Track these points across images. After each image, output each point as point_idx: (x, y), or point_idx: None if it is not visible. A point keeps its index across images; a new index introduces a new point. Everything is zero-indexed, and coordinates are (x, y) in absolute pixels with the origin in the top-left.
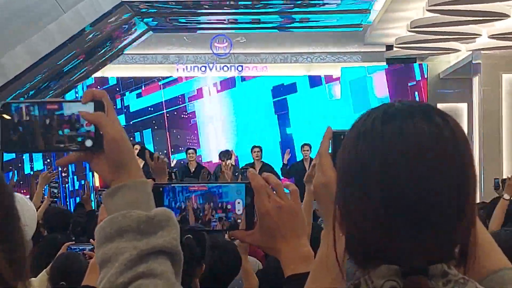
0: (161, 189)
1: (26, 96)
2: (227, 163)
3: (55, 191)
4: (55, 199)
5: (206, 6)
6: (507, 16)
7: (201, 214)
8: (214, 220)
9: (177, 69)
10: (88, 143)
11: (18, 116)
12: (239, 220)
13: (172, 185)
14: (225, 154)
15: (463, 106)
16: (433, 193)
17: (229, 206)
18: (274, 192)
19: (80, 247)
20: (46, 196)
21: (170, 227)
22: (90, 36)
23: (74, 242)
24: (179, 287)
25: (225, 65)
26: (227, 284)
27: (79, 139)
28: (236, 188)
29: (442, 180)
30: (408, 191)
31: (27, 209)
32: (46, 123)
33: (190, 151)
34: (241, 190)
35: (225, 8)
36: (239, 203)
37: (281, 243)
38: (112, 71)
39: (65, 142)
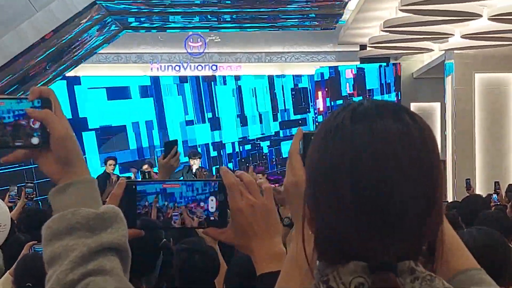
0: (134, 186)
1: None
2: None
3: (30, 191)
4: (30, 200)
5: (180, 5)
6: (480, 16)
7: (164, 212)
8: (176, 216)
9: (151, 68)
10: (35, 140)
11: None
12: (212, 218)
13: (146, 182)
14: (195, 154)
15: (437, 105)
16: (402, 191)
17: (202, 204)
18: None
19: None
20: (20, 197)
21: (118, 223)
22: (64, 35)
23: (36, 242)
24: (128, 283)
25: (199, 64)
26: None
27: (25, 136)
28: (209, 186)
29: (410, 178)
30: (378, 189)
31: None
32: None
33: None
34: (215, 188)
35: (199, 7)
36: (212, 200)
37: (254, 241)
38: (85, 71)
39: (10, 140)
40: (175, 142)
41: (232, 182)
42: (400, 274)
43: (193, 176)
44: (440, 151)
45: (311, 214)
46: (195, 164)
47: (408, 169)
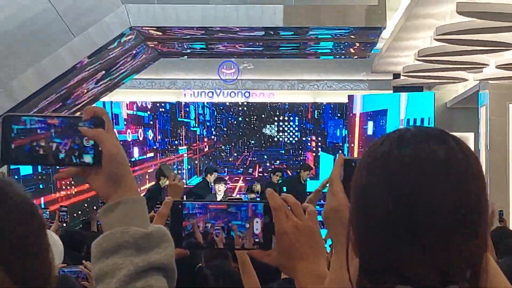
0: (180, 206)
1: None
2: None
3: (64, 214)
4: (64, 222)
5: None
6: None
7: (208, 232)
8: (219, 237)
9: (185, 94)
10: (87, 158)
11: (19, 129)
12: (256, 240)
13: (192, 202)
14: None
15: (470, 135)
16: (448, 214)
17: (247, 225)
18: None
19: (73, 269)
20: (54, 220)
21: (166, 243)
22: (100, 60)
23: (65, 264)
24: None
25: (232, 91)
26: None
27: (79, 154)
28: (255, 207)
29: (456, 201)
30: (424, 213)
31: (54, 243)
32: (49, 138)
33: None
34: (260, 210)
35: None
36: (257, 222)
37: (298, 263)
38: (119, 96)
39: (64, 157)
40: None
41: (278, 204)
42: None
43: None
44: None
45: (355, 238)
46: (220, 191)
47: (452, 192)
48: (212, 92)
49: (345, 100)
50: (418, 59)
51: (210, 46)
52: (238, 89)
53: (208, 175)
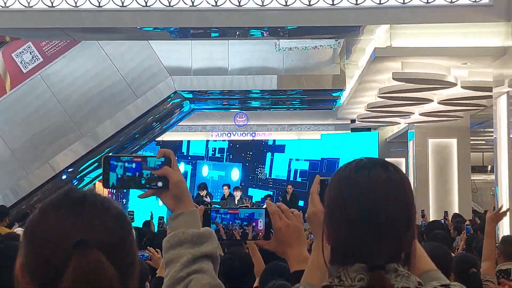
0: (209, 211)
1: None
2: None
3: (131, 216)
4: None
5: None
6: (432, 100)
7: (229, 228)
8: (236, 231)
9: (212, 135)
10: (160, 184)
11: (115, 164)
12: (260, 233)
13: (216, 209)
14: (238, 188)
15: (402, 160)
16: (390, 216)
17: (253, 224)
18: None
19: (140, 254)
20: None
21: (212, 239)
22: (154, 114)
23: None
24: (218, 280)
25: (243, 132)
26: (247, 280)
27: (154, 181)
28: (258, 212)
29: (396, 208)
30: (374, 215)
31: None
32: (134, 169)
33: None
34: (262, 213)
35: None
36: (260, 221)
37: (288, 249)
38: (167, 137)
39: (145, 183)
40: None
41: (274, 209)
42: (388, 272)
43: (235, 204)
44: None
45: (328, 232)
46: (237, 195)
47: (393, 200)
48: (230, 133)
49: (318, 137)
50: (367, 109)
51: (226, 103)
52: (247, 131)
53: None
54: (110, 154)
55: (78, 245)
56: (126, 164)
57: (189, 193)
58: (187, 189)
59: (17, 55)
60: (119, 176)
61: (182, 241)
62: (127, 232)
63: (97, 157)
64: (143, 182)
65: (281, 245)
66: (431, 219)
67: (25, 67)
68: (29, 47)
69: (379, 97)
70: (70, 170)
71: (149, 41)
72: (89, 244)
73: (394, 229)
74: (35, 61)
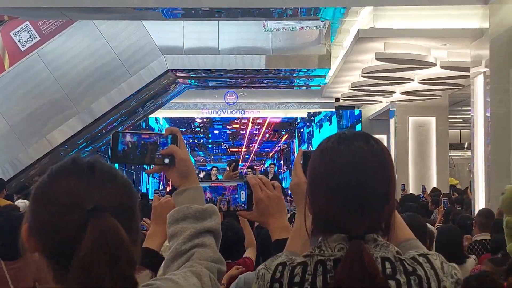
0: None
1: (104, 130)
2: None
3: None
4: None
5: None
6: (412, 80)
7: (214, 201)
8: (222, 203)
9: (202, 112)
10: (166, 161)
11: (123, 140)
12: (243, 205)
13: (203, 182)
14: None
15: (384, 137)
16: (370, 187)
17: (236, 196)
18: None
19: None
20: None
21: (215, 215)
22: (148, 91)
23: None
24: (219, 254)
25: (233, 110)
26: (237, 251)
27: (161, 158)
28: (241, 184)
29: (375, 179)
30: (355, 186)
31: None
32: (142, 146)
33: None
34: (244, 186)
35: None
36: (243, 193)
37: (270, 219)
38: (160, 114)
39: (154, 159)
40: (236, 160)
41: (255, 182)
42: (367, 242)
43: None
44: None
45: (310, 202)
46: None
47: (373, 172)
48: (220, 111)
49: (304, 115)
50: (352, 89)
51: (218, 81)
52: (237, 109)
53: None
54: (119, 130)
55: (95, 210)
56: (135, 140)
57: (194, 170)
58: (192, 166)
59: (15, 34)
60: (127, 152)
61: (186, 216)
62: (135, 198)
63: (92, 132)
64: (150, 158)
65: (263, 215)
66: (410, 192)
67: (23, 45)
68: (26, 26)
69: (362, 76)
70: (65, 147)
71: (142, 21)
72: (106, 209)
73: (375, 199)
74: (32, 40)
